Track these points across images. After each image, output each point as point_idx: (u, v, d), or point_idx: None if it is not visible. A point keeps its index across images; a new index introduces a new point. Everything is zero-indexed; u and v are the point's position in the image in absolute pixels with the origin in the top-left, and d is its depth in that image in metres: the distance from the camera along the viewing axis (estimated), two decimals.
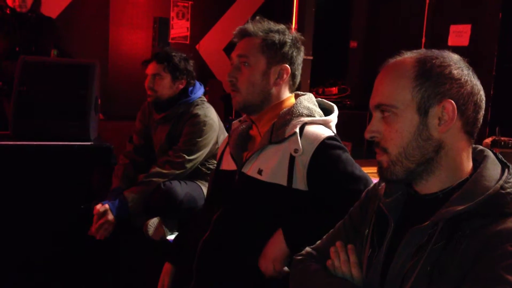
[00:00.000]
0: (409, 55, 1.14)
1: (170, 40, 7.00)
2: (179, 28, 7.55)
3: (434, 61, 1.09)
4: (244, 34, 1.78)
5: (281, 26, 1.80)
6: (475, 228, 1.00)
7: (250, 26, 1.77)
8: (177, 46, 7.18)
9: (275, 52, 1.74)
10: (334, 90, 6.95)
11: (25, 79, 2.99)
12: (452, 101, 1.07)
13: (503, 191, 1.03)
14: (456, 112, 1.07)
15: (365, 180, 1.65)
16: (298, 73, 1.82)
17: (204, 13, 7.70)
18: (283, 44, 1.75)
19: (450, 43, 5.88)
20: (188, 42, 7.62)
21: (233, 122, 1.94)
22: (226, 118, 6.49)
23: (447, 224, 1.04)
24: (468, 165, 1.12)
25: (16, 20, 4.52)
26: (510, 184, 1.04)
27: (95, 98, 3.06)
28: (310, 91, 1.91)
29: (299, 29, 6.25)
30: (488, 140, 4.13)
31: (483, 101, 1.11)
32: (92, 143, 3.02)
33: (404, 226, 1.12)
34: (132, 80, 6.58)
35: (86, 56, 5.90)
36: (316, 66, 6.60)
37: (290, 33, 1.80)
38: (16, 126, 2.98)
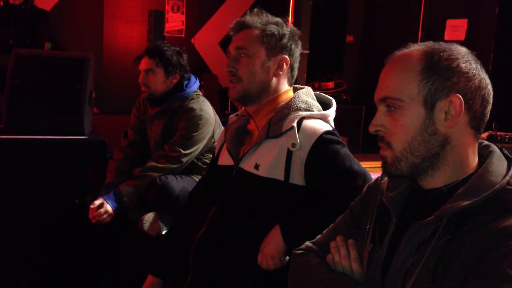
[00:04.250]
0: (416, 48, 1.11)
1: (165, 34, 6.96)
2: (174, 22, 7.51)
3: (441, 54, 1.07)
4: (242, 26, 1.77)
5: (279, 19, 1.79)
6: (480, 224, 0.98)
7: (248, 18, 1.76)
8: (172, 39, 7.15)
9: (275, 43, 1.74)
10: (331, 84, 6.94)
11: (19, 72, 2.96)
12: (460, 96, 1.05)
13: (509, 187, 1.01)
14: (463, 106, 1.05)
15: (363, 175, 1.63)
16: (296, 66, 1.82)
17: (199, 7, 7.66)
18: (282, 35, 1.74)
19: (446, 37, 5.87)
20: (183, 35, 7.58)
21: (230, 116, 1.92)
22: (222, 112, 6.46)
23: (452, 220, 1.02)
24: (474, 160, 1.10)
25: (10, 12, 4.48)
26: None
27: (90, 92, 3.03)
28: (307, 85, 1.89)
29: (296, 22, 6.22)
30: (484, 135, 4.12)
31: (491, 96, 1.09)
32: (86, 137, 3.00)
33: (406, 221, 1.11)
34: (127, 74, 6.54)
35: (80, 49, 5.85)
36: (313, 60, 6.58)
37: (288, 25, 1.78)
38: (9, 119, 2.95)
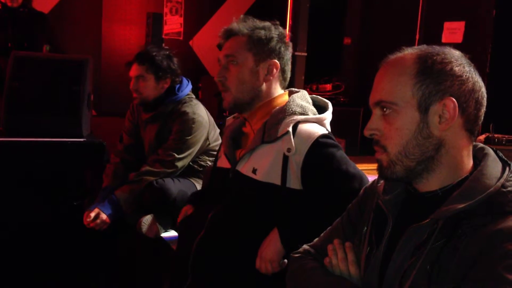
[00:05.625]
0: (409, 51, 1.12)
1: (163, 36, 6.97)
2: (173, 24, 7.52)
3: (435, 58, 1.08)
4: (230, 34, 1.77)
5: (267, 23, 1.78)
6: (476, 227, 0.99)
7: (235, 25, 1.76)
8: (171, 42, 7.16)
9: (262, 48, 1.73)
10: (328, 86, 6.95)
11: (17, 75, 2.96)
12: (453, 99, 1.06)
13: (504, 190, 1.02)
14: (457, 109, 1.06)
15: (359, 178, 1.64)
16: (288, 68, 1.81)
17: (197, 9, 7.67)
18: (269, 39, 1.74)
19: (444, 40, 5.89)
20: (181, 38, 7.59)
21: (227, 118, 1.92)
22: (220, 114, 6.46)
23: (447, 223, 1.02)
24: (469, 163, 1.11)
25: (8, 15, 4.48)
26: (511, 182, 1.03)
27: (88, 94, 3.03)
28: (304, 88, 1.90)
29: (294, 25, 6.23)
30: (481, 137, 4.13)
31: (485, 98, 1.10)
32: (84, 139, 3.00)
33: (403, 224, 1.11)
34: (125, 76, 6.54)
35: (78, 51, 5.86)
36: (311, 63, 6.59)
37: (277, 29, 1.78)
38: (8, 122, 2.95)
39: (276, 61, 1.75)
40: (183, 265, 1.74)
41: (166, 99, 2.79)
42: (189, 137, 2.72)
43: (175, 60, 2.85)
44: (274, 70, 1.75)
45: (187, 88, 2.88)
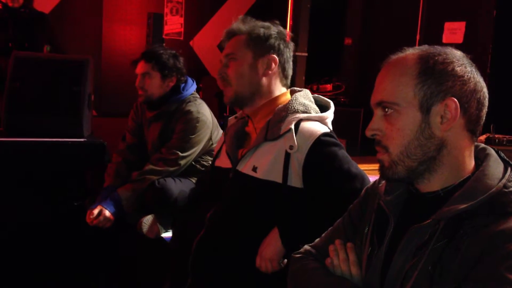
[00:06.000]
0: (411, 52, 1.12)
1: (164, 36, 6.98)
2: (173, 24, 7.53)
3: (436, 58, 1.08)
4: (231, 34, 1.80)
5: (267, 23, 1.81)
6: (477, 227, 0.99)
7: (234, 26, 1.79)
8: (171, 42, 7.17)
9: (261, 45, 1.76)
10: (329, 87, 6.96)
11: (18, 75, 2.96)
12: (455, 99, 1.05)
13: (506, 190, 1.02)
14: (458, 110, 1.06)
15: (361, 178, 1.64)
16: (288, 66, 1.82)
17: (198, 9, 7.68)
18: (268, 36, 1.77)
19: (444, 40, 5.89)
20: (182, 38, 7.60)
21: (229, 118, 1.93)
22: (220, 115, 6.47)
23: (449, 223, 1.02)
24: (470, 163, 1.10)
25: (9, 15, 4.49)
26: None
27: (89, 95, 3.03)
28: (305, 88, 1.90)
29: (294, 25, 6.24)
30: (482, 138, 4.14)
31: (486, 99, 1.09)
32: (85, 139, 3.01)
33: (404, 224, 1.11)
34: (126, 77, 6.56)
35: (79, 52, 5.86)
36: (311, 63, 6.59)
37: (276, 27, 1.81)
38: (9, 122, 2.96)
39: (275, 56, 1.77)
40: (183, 265, 1.74)
41: (171, 97, 2.80)
42: (193, 136, 2.72)
43: (181, 59, 2.87)
44: (273, 64, 1.77)
45: (191, 87, 2.89)
